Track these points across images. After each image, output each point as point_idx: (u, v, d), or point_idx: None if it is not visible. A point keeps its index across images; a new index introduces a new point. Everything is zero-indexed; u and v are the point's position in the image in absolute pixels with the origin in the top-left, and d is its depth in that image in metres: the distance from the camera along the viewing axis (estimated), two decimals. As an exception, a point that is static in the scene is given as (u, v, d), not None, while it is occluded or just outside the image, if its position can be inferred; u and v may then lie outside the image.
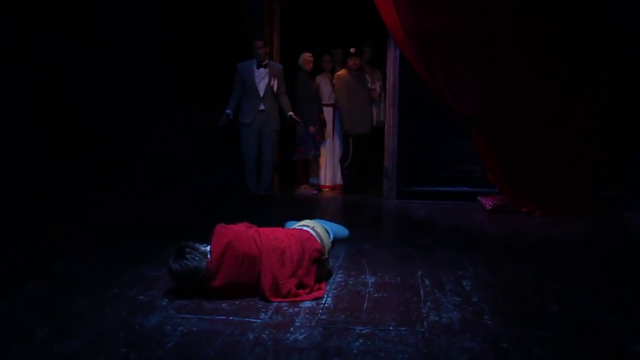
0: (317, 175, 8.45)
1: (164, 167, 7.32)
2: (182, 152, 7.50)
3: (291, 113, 7.41)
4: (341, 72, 8.10)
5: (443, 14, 6.54)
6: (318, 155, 8.18)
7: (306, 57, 8.01)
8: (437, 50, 6.58)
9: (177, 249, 3.47)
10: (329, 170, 8.45)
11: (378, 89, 8.36)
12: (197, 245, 3.49)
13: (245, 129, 7.16)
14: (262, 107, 7.14)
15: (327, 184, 8.46)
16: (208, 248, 3.50)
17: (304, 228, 3.87)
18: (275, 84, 7.16)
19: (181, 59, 7.51)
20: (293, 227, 4.03)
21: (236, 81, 7.17)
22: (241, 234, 3.53)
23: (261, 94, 7.12)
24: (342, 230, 4.98)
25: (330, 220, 5.15)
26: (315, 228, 3.93)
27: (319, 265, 3.70)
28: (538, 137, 6.58)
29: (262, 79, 7.12)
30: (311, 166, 8.41)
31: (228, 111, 7.13)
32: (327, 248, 3.87)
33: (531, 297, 3.59)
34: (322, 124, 8.16)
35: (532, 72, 6.49)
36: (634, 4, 6.22)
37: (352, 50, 8.02)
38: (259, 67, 7.10)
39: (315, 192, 8.17)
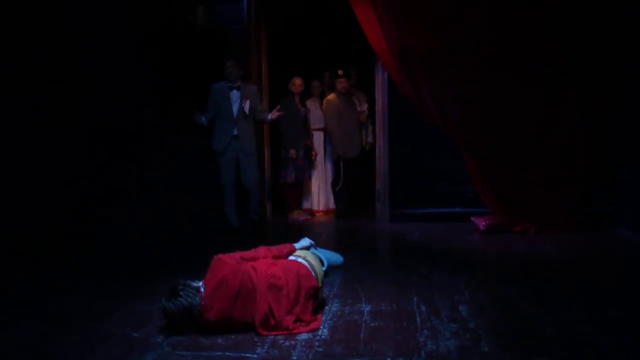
0: (309, 200, 8.43)
1: (154, 195, 7.25)
2: (173, 180, 7.45)
3: (270, 114, 6.89)
4: (330, 96, 8.12)
5: (428, 35, 6.57)
6: (301, 179, 8.13)
7: (294, 81, 8.03)
8: (423, 72, 6.62)
9: (169, 288, 3.44)
10: (321, 195, 8.44)
11: (366, 111, 8.38)
12: (188, 282, 3.47)
13: (220, 158, 6.76)
14: (235, 132, 6.68)
15: (320, 209, 8.44)
16: (200, 283, 3.48)
17: (299, 260, 3.85)
18: (247, 105, 6.69)
19: (168, 83, 7.45)
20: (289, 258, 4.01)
21: (210, 102, 6.76)
22: (236, 269, 3.50)
23: (234, 117, 6.69)
24: (336, 257, 5.00)
25: (324, 247, 5.17)
26: (307, 258, 3.91)
27: (315, 298, 3.68)
28: (527, 155, 6.60)
29: (235, 102, 6.72)
30: (302, 190, 8.39)
31: (203, 118, 6.71)
32: (320, 278, 3.85)
33: (527, 320, 3.57)
34: (309, 149, 8.14)
35: (518, 88, 6.52)
36: (617, 12, 6.27)
37: (340, 72, 8.05)
38: (231, 88, 6.71)
39: (308, 217, 8.15)
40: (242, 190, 6.85)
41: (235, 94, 6.70)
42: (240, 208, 6.90)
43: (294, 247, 4.32)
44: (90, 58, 6.58)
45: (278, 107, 7.17)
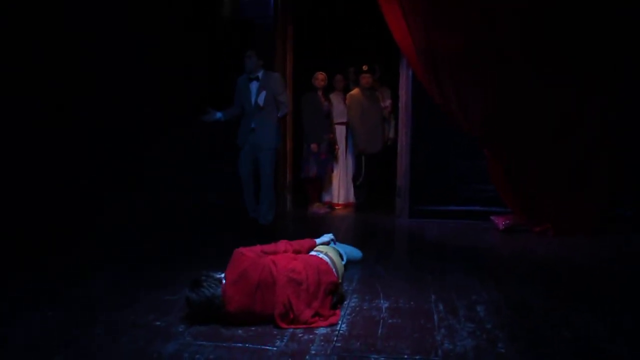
0: (329, 193, 8.48)
1: (177, 186, 7.31)
2: (195, 170, 7.50)
3: (281, 111, 6.53)
4: (354, 91, 8.16)
5: (454, 34, 6.60)
6: (323, 174, 8.17)
7: (317, 75, 8.08)
8: (448, 70, 6.64)
9: (193, 279, 3.53)
10: (342, 189, 8.49)
11: (389, 107, 8.39)
12: (212, 273, 3.56)
13: (241, 151, 6.51)
14: (252, 124, 6.40)
15: (340, 202, 8.49)
16: (223, 275, 3.56)
17: (320, 255, 3.90)
18: (261, 97, 6.37)
19: (194, 76, 7.49)
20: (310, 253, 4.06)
21: (235, 96, 6.58)
22: (257, 262, 3.57)
23: (252, 110, 6.42)
24: (355, 252, 5.05)
25: (343, 241, 5.22)
26: (328, 253, 3.96)
27: (334, 294, 3.74)
28: (549, 157, 6.59)
29: (254, 94, 6.42)
30: (323, 184, 8.44)
31: (219, 115, 6.47)
32: (340, 273, 3.91)
33: (544, 323, 3.60)
34: (332, 143, 8.18)
35: (542, 89, 6.53)
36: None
37: (365, 67, 8.07)
38: (250, 80, 6.43)
39: (328, 210, 8.20)
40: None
41: (254, 85, 6.43)
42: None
43: (315, 242, 4.37)
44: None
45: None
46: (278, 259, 3.72)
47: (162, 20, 7.29)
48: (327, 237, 4.52)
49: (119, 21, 6.89)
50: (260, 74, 6.42)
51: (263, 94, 6.36)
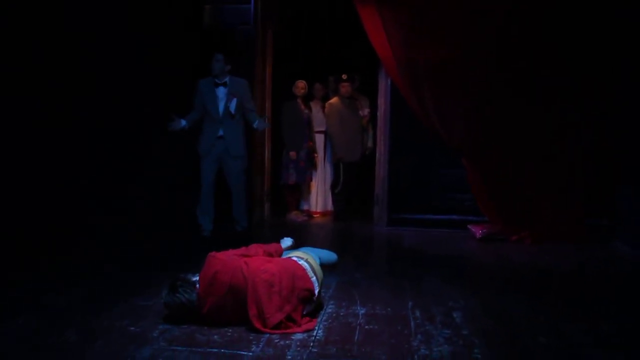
0: (307, 201, 8.47)
1: (153, 195, 7.25)
2: (176, 180, 7.44)
3: (257, 123, 6.33)
4: (333, 100, 8.18)
5: (435, 47, 6.64)
6: (302, 181, 8.18)
7: (297, 84, 8.10)
8: (428, 82, 6.69)
9: (170, 283, 3.53)
10: (320, 197, 8.49)
11: (367, 116, 8.41)
12: (188, 276, 3.58)
13: (203, 160, 6.31)
14: (220, 132, 6.23)
15: (318, 210, 8.49)
16: (197, 277, 3.56)
17: (299, 261, 3.87)
18: (233, 104, 6.22)
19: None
20: (288, 255, 4.05)
21: (196, 100, 6.35)
22: (229, 264, 3.57)
23: (220, 117, 6.23)
24: (330, 256, 5.03)
25: (320, 247, 5.20)
26: (308, 260, 3.94)
27: (309, 301, 3.71)
28: (527, 167, 6.66)
29: (222, 100, 6.24)
30: (302, 192, 8.43)
31: (183, 122, 6.27)
32: (320, 281, 3.87)
33: (521, 329, 3.61)
34: (311, 151, 8.19)
35: (521, 102, 6.60)
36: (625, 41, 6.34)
37: (344, 76, 8.09)
38: (216, 85, 6.25)
39: (306, 218, 8.19)
40: (226, 197, 6.48)
41: (221, 91, 6.24)
42: (226, 216, 6.56)
43: (281, 246, 4.36)
44: (90, 58, 6.56)
45: (267, 116, 7.07)
46: (251, 260, 3.70)
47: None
48: (289, 241, 4.50)
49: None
50: (227, 80, 6.27)
51: (234, 101, 6.22)
